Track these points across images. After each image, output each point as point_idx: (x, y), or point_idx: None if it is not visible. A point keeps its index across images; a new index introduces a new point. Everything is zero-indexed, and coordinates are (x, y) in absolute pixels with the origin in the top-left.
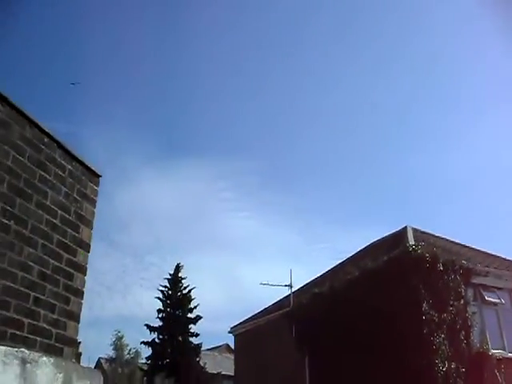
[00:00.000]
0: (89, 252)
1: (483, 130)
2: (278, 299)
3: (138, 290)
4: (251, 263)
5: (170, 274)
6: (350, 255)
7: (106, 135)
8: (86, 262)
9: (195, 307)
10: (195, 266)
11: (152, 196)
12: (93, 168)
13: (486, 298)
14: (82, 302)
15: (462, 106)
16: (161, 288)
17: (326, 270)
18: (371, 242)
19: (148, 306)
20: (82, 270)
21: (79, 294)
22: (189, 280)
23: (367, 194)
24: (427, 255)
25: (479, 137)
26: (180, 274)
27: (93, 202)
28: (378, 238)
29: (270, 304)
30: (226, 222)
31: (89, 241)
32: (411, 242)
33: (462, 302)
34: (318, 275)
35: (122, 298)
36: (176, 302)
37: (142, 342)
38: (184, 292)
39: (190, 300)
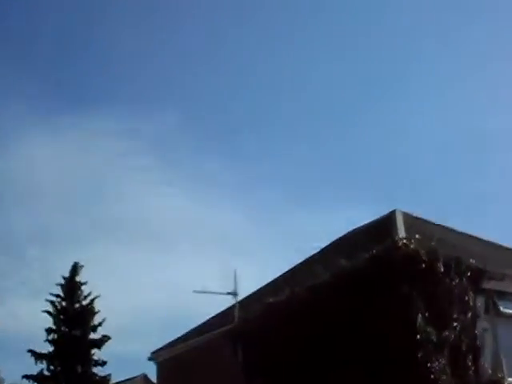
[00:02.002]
0: None
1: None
2: (219, 312)
3: (16, 299)
4: (180, 260)
5: (64, 278)
6: (318, 249)
7: None
8: None
9: (100, 324)
10: (99, 265)
11: (37, 163)
12: None
13: (502, 309)
14: None
15: None
16: (50, 297)
17: (285, 271)
18: (347, 231)
19: (32, 322)
20: None
21: None
22: (91, 285)
23: (342, 160)
24: (423, 252)
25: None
26: (78, 278)
27: None
28: (357, 225)
29: (208, 318)
30: (143, 199)
31: None
32: (401, 233)
33: (469, 315)
34: (273, 278)
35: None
36: (73, 318)
37: (25, 376)
38: (84, 303)
39: (92, 314)
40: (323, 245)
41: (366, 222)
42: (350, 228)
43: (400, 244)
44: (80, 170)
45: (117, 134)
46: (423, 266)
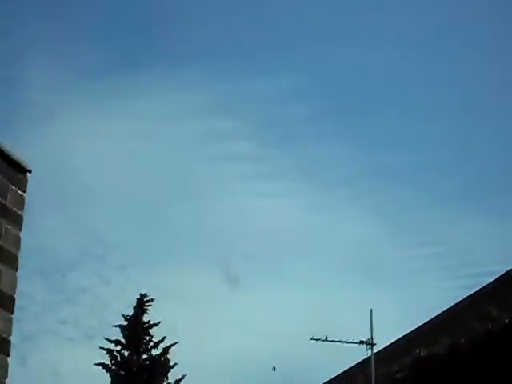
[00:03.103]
0: None
1: None
2: (346, 368)
3: (55, 344)
4: (288, 291)
5: (126, 317)
6: (493, 279)
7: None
8: None
9: (178, 383)
10: (176, 297)
11: (87, 151)
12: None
13: None
14: None
15: None
16: (106, 344)
17: (442, 311)
18: None
19: (78, 380)
20: None
21: None
22: (165, 327)
23: None
24: None
25: None
26: (146, 317)
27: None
28: None
29: (330, 379)
30: (239, 203)
31: None
32: None
33: None
34: (426, 320)
35: (18, 363)
36: (139, 374)
37: None
38: (155, 353)
39: (167, 368)
40: (500, 272)
41: None
42: None
43: None
44: (155, 160)
45: (207, 108)
46: None
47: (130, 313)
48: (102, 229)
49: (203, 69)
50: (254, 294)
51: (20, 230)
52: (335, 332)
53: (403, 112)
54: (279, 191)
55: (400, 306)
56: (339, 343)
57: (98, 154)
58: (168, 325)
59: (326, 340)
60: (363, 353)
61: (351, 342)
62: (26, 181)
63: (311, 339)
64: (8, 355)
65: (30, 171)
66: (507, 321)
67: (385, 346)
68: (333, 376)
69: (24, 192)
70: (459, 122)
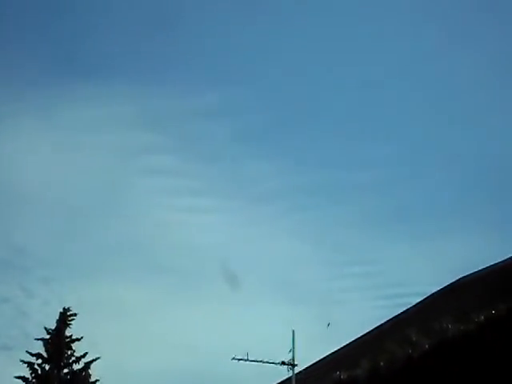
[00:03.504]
0: None
1: None
2: None
3: None
4: (217, 308)
5: (49, 330)
6: (411, 305)
7: None
8: None
9: None
10: (100, 312)
11: (13, 162)
12: None
13: None
14: None
15: None
16: (28, 357)
17: (362, 334)
18: (460, 276)
19: None
20: None
21: None
22: (87, 342)
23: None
24: None
25: None
26: (69, 331)
27: None
28: (477, 266)
29: None
30: (166, 216)
31: None
32: None
33: None
34: (346, 343)
35: None
36: None
37: None
38: (76, 367)
39: (88, 383)
40: (418, 298)
41: (481, 266)
42: (459, 274)
43: None
44: (79, 172)
45: (134, 121)
46: None
47: (53, 326)
48: (27, 241)
49: (132, 82)
50: (182, 309)
51: None
52: (258, 351)
53: (339, 130)
54: (209, 207)
55: (323, 326)
56: (261, 363)
57: (23, 165)
58: (91, 340)
59: (247, 360)
60: (286, 374)
61: (272, 363)
62: None
63: (233, 359)
64: None
65: None
66: (427, 346)
67: (305, 367)
68: None
69: None
70: (397, 142)
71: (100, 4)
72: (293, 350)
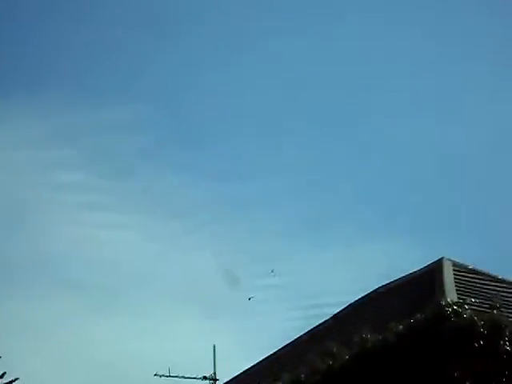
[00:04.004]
0: None
1: None
2: None
3: None
4: (131, 323)
5: None
6: (330, 316)
7: None
8: None
9: None
10: (16, 331)
11: None
12: None
13: None
14: None
15: None
16: None
17: (283, 345)
18: (375, 288)
19: None
20: None
21: None
22: (5, 362)
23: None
24: (481, 323)
25: None
26: None
27: None
28: (386, 279)
29: None
30: (77, 231)
31: None
32: (451, 294)
33: None
34: (268, 354)
35: None
36: None
37: None
38: None
39: None
40: (338, 309)
41: (401, 274)
42: (376, 284)
43: (449, 312)
44: None
45: (48, 137)
46: (481, 342)
47: None
48: None
49: (44, 97)
50: (99, 325)
51: None
52: (180, 367)
53: (251, 141)
54: (118, 223)
55: (243, 340)
56: (183, 379)
57: None
58: (9, 359)
59: (169, 376)
60: None
61: (194, 378)
62: None
63: (155, 375)
64: None
65: None
66: (347, 357)
67: (226, 381)
68: None
69: None
70: (311, 147)
71: None
72: (214, 364)
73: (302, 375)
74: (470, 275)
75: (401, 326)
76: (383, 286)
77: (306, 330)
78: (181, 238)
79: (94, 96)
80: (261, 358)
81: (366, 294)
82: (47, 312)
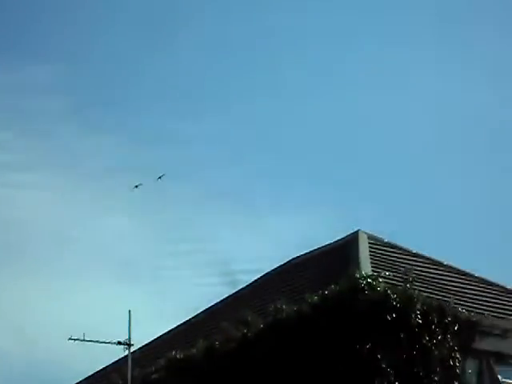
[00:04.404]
0: None
1: None
2: (104, 367)
3: None
4: (49, 286)
5: None
6: (246, 284)
7: None
8: None
9: None
10: None
11: None
12: None
13: (501, 378)
14: None
15: None
16: None
17: (198, 312)
18: (289, 258)
19: None
20: None
21: None
22: None
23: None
24: (394, 296)
25: None
26: None
27: None
28: (301, 250)
29: (88, 376)
30: None
31: None
32: (366, 267)
33: None
34: (182, 322)
35: None
36: None
37: None
38: None
39: None
40: (253, 277)
41: (316, 245)
42: (293, 255)
43: (363, 284)
44: None
45: None
46: (394, 315)
47: None
48: None
49: None
50: (9, 288)
51: None
52: (95, 331)
53: (173, 108)
54: (35, 183)
55: (160, 306)
56: (97, 343)
57: None
58: None
59: (84, 340)
60: (122, 354)
61: (109, 343)
62: None
63: (69, 339)
64: None
65: None
66: (261, 326)
67: (141, 346)
68: (88, 375)
69: None
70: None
71: None
72: (129, 329)
73: (217, 342)
74: (384, 248)
75: (315, 298)
76: (299, 256)
77: (222, 298)
78: (98, 200)
79: (11, 57)
80: (176, 325)
81: (282, 263)
82: None
